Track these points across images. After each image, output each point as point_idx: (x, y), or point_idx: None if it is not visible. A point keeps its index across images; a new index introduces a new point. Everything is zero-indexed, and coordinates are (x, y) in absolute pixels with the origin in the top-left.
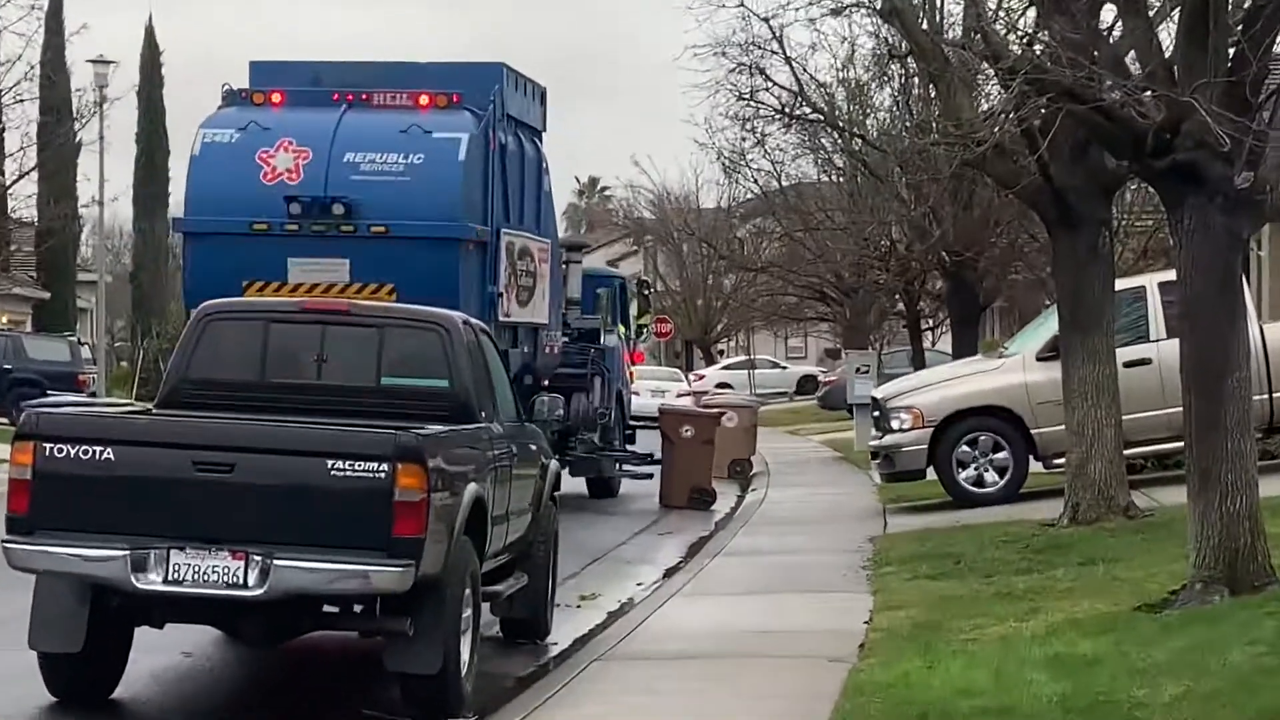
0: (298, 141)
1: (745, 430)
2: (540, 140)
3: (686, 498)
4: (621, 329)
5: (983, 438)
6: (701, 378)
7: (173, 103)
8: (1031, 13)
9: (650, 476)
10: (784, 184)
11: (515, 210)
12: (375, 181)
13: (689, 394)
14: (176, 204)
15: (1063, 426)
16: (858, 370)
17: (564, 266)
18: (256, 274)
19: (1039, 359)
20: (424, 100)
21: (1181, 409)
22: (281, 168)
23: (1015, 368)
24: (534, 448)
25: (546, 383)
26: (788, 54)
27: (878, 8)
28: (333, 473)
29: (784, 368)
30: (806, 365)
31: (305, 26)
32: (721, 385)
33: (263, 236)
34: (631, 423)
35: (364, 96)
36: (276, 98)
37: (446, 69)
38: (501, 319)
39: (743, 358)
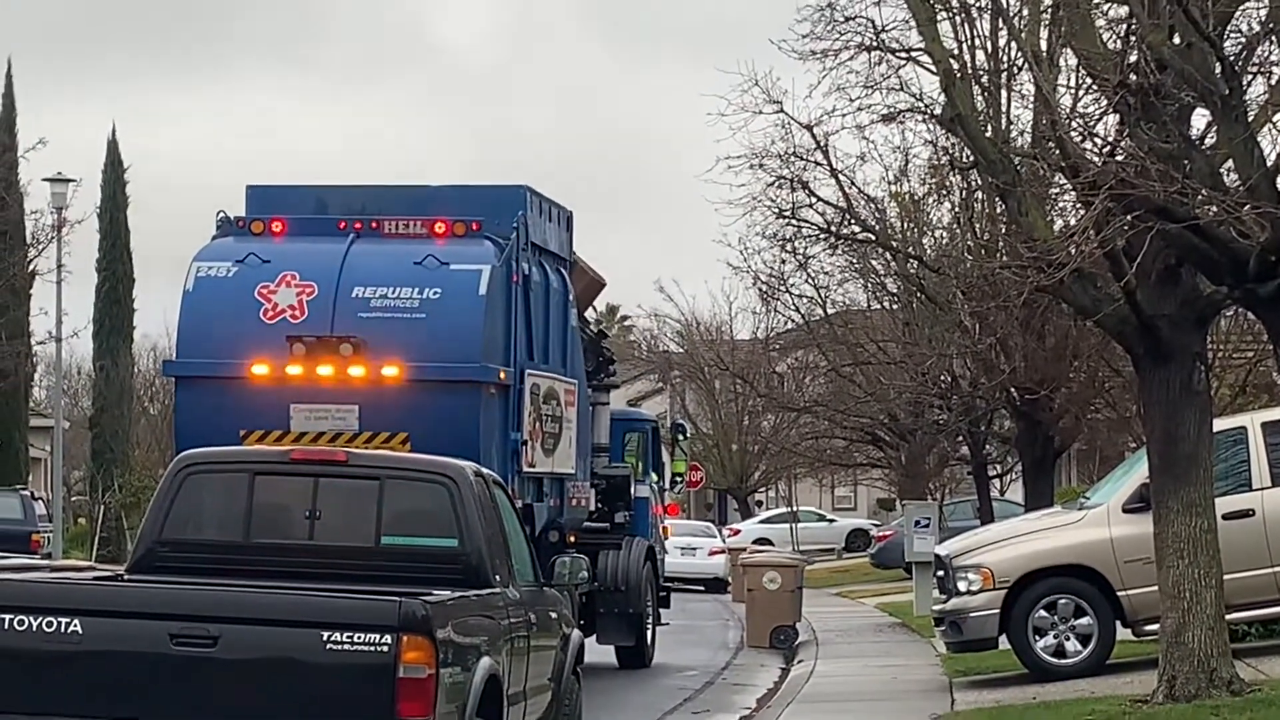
0: (301, 275)
1: (789, 593)
2: (566, 269)
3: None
4: (654, 478)
5: (1062, 601)
6: (737, 532)
7: (139, 227)
8: (1112, 119)
9: None
10: (829, 312)
11: (540, 348)
12: (387, 319)
13: (722, 551)
14: (142, 338)
15: (1155, 588)
16: (916, 523)
17: (591, 409)
18: (256, 423)
19: (1125, 510)
20: (440, 228)
21: None
22: (283, 304)
23: (1098, 521)
24: (554, 615)
25: (573, 539)
26: (834, 165)
27: (937, 114)
28: (328, 646)
29: (831, 520)
30: (857, 518)
31: (294, 137)
32: (760, 541)
33: (263, 380)
34: (665, 584)
35: (373, 224)
36: (277, 226)
37: (463, 192)
38: (526, 470)
39: (784, 509)
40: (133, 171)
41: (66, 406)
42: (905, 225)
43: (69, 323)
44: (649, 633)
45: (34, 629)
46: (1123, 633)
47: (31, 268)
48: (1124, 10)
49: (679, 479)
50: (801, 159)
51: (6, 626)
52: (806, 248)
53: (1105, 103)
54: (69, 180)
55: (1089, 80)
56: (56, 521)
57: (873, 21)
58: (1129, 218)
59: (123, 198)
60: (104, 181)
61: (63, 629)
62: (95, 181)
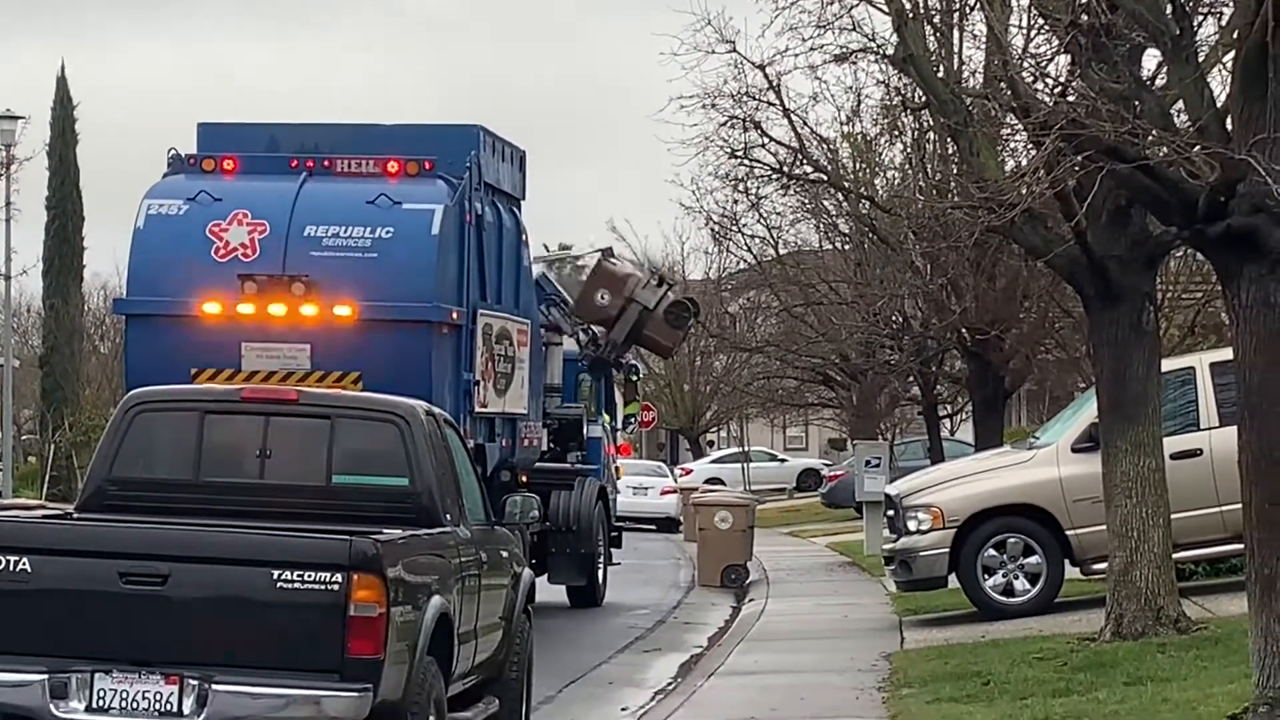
0: (253, 213)
1: (741, 532)
2: (519, 210)
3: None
4: (606, 418)
5: (1012, 540)
6: (688, 472)
7: (89, 164)
8: (1064, 60)
9: None
10: (781, 252)
11: (493, 288)
12: (339, 258)
13: (674, 490)
14: (93, 276)
15: (1103, 527)
16: (867, 463)
17: (544, 349)
18: (207, 361)
19: (1075, 450)
20: (392, 167)
21: (1239, 506)
22: (235, 242)
23: (1048, 460)
24: (505, 554)
25: (525, 479)
26: (786, 106)
27: (889, 54)
28: (279, 584)
29: (783, 460)
30: (808, 458)
31: (249, 73)
32: (712, 481)
33: (214, 319)
34: (617, 524)
35: (326, 163)
36: (229, 164)
37: (417, 131)
38: (478, 410)
39: (736, 449)
40: (82, 108)
41: (16, 345)
42: (857, 166)
43: (18, 260)
44: (600, 572)
45: None
46: (1071, 571)
47: None
48: None
49: (631, 419)
50: (754, 99)
51: None
52: (759, 188)
53: (1057, 43)
54: (17, 117)
55: (1040, 20)
56: (6, 460)
57: None
58: (1079, 158)
59: (72, 135)
60: (53, 118)
61: (11, 567)
62: (44, 118)
